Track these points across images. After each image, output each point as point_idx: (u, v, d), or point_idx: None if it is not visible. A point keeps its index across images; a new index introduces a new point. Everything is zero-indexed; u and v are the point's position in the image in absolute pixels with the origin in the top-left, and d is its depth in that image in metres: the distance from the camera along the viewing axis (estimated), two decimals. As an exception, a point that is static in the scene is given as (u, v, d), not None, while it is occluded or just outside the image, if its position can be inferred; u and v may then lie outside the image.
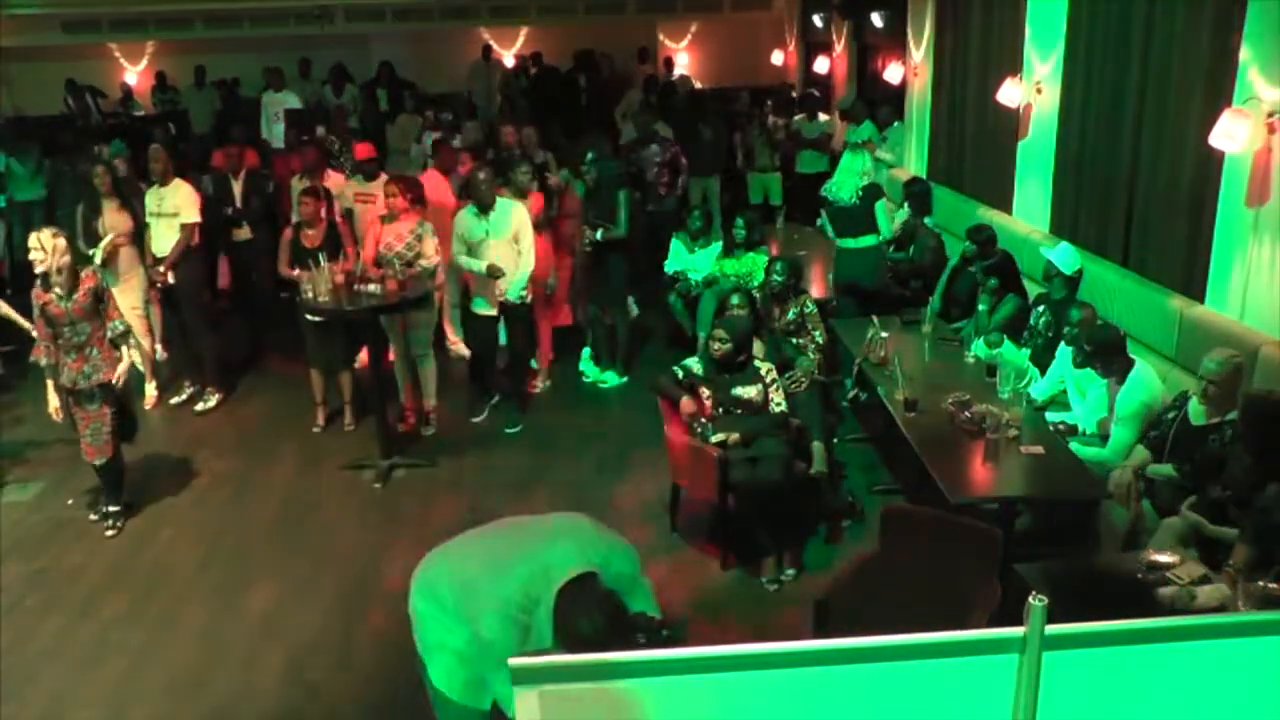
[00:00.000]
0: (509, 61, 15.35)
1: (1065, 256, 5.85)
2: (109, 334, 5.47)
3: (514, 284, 6.66)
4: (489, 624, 2.76)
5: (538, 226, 7.19)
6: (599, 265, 7.48)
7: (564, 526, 3.01)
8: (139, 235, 7.15)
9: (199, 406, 7.40)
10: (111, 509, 5.78)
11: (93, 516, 5.89)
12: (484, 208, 6.56)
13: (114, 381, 5.47)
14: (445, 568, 3.05)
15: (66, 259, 5.38)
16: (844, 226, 7.48)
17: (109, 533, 5.72)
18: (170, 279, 7.15)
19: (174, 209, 7.13)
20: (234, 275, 7.64)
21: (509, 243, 6.58)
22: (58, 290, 5.36)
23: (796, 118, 11.24)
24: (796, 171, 10.92)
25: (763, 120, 11.40)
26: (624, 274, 7.53)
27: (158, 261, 7.15)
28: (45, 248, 5.32)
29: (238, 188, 7.67)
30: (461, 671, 2.94)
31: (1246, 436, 4.05)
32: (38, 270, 5.37)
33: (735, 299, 5.87)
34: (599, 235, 7.30)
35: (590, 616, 2.65)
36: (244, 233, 7.53)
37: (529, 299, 6.82)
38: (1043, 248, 6.08)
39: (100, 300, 5.45)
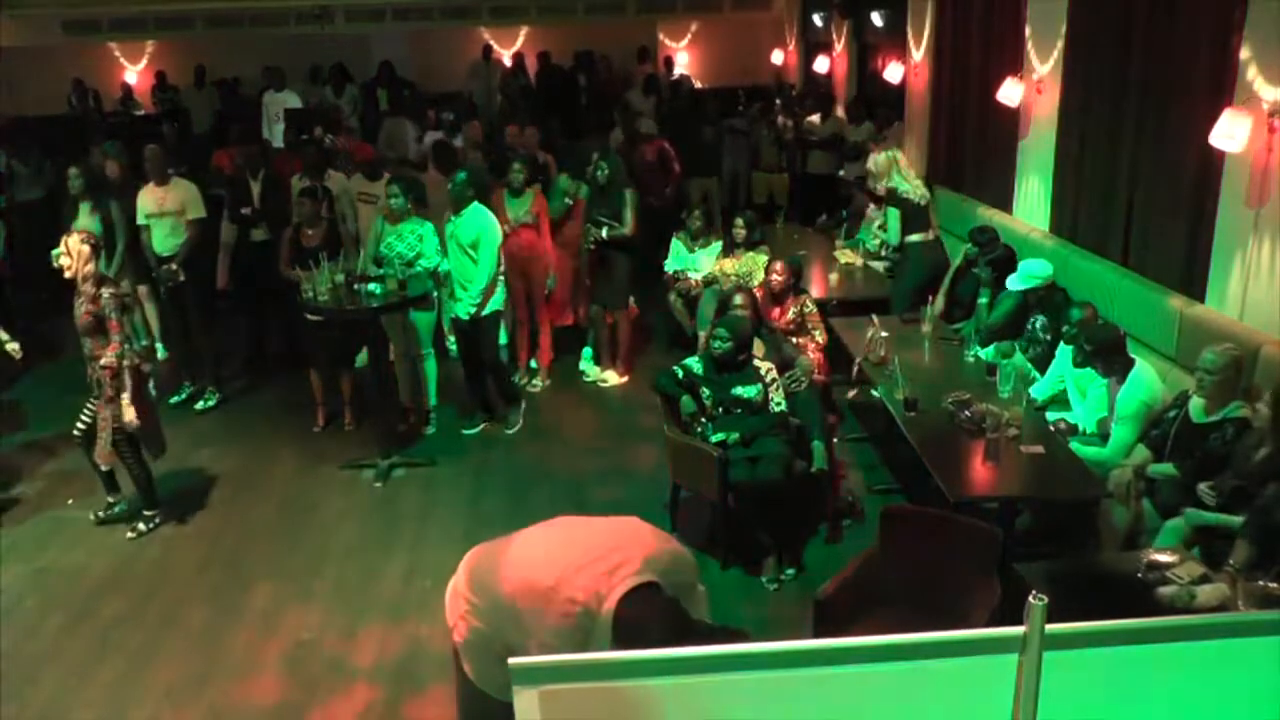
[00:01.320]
0: (509, 61, 15.35)
1: (1032, 270, 5.91)
2: (106, 361, 5.32)
3: (463, 300, 6.49)
4: (549, 627, 2.73)
5: (536, 228, 7.20)
6: (603, 264, 7.46)
7: (626, 533, 2.93)
8: (109, 239, 7.07)
9: (199, 406, 7.40)
10: (145, 512, 5.76)
11: (91, 516, 5.87)
12: (455, 208, 6.54)
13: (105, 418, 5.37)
14: (498, 565, 2.98)
15: (89, 268, 5.34)
16: (918, 224, 7.55)
17: (129, 534, 5.70)
18: (181, 277, 7.14)
19: (177, 207, 7.12)
20: (248, 275, 7.65)
21: (467, 250, 6.44)
22: (80, 298, 5.34)
23: (811, 117, 11.22)
24: (806, 171, 10.91)
25: (771, 120, 11.40)
26: (628, 273, 7.52)
27: (162, 261, 7.15)
28: (71, 252, 5.30)
29: (255, 188, 7.68)
30: (503, 668, 2.87)
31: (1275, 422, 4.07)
32: (67, 275, 5.35)
33: (737, 299, 5.88)
34: (605, 233, 7.27)
35: (654, 625, 2.61)
36: (260, 233, 7.54)
37: (482, 312, 6.54)
38: (1009, 280, 6.09)
39: (100, 322, 5.32)
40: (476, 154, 8.47)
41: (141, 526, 5.73)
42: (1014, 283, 6.00)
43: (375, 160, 8.24)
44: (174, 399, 7.50)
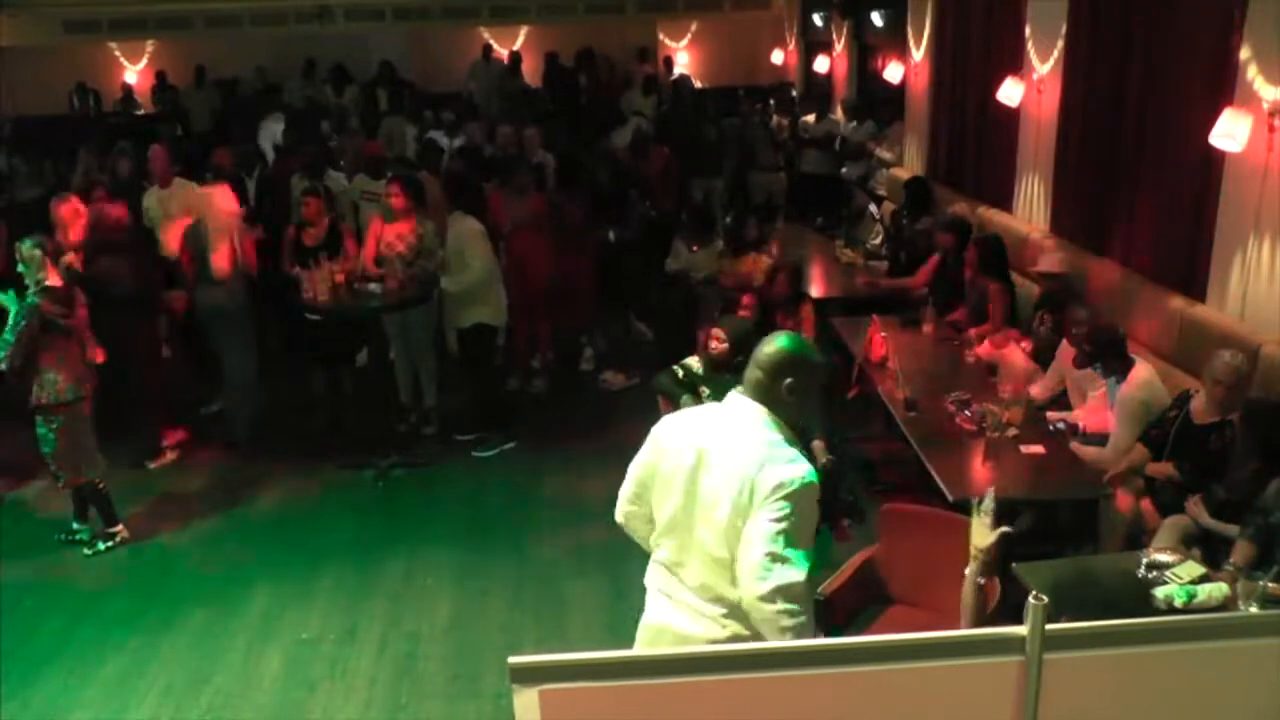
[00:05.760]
0: (505, 61, 15.32)
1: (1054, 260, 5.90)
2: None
3: (456, 309, 6.43)
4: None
5: (538, 229, 7.18)
6: (607, 266, 7.44)
7: None
8: None
9: (202, 411, 7.32)
10: (108, 530, 5.59)
11: (75, 525, 5.70)
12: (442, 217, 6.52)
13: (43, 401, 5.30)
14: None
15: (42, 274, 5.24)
16: None
17: (86, 551, 5.55)
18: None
19: (183, 210, 7.10)
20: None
21: (457, 257, 6.39)
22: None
23: (807, 117, 11.20)
24: (801, 171, 10.91)
25: (766, 119, 11.39)
26: (633, 274, 7.50)
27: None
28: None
29: (251, 187, 7.66)
30: None
31: (1247, 440, 4.05)
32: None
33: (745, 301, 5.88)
34: (611, 236, 7.26)
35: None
36: (257, 232, 7.53)
37: (466, 324, 6.52)
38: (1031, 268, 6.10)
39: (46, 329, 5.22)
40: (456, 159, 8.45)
41: (101, 545, 5.57)
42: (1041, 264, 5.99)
43: (379, 158, 8.23)
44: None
